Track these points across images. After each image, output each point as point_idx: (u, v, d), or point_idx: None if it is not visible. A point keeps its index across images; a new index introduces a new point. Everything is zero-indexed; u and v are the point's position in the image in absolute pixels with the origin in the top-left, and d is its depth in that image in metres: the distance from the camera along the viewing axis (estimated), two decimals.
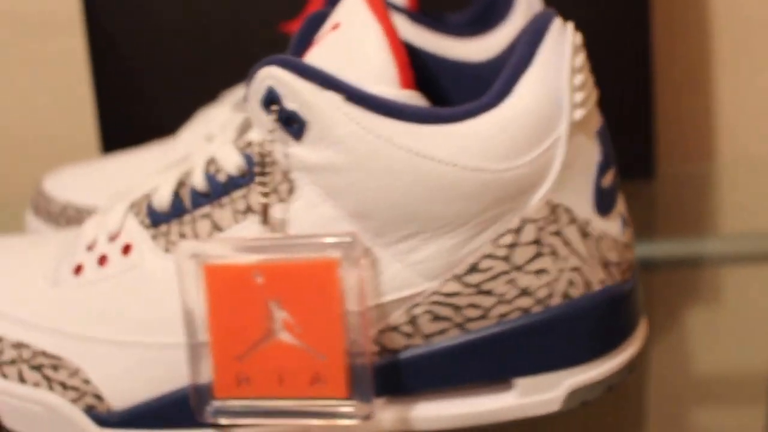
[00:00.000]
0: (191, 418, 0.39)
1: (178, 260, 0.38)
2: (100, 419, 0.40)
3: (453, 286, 0.38)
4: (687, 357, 0.46)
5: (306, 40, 0.40)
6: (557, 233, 0.38)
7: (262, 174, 0.38)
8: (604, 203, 0.38)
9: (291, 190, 0.37)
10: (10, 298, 0.42)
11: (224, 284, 0.38)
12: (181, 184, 0.40)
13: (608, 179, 0.39)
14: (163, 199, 0.40)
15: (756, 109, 0.64)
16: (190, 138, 0.58)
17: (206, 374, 0.38)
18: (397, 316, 0.38)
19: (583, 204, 0.38)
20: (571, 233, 0.38)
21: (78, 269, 0.41)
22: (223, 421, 0.38)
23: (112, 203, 0.42)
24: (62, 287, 0.41)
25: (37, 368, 0.40)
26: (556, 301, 0.38)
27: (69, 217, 0.57)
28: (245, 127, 0.41)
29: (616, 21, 0.56)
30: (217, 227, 0.39)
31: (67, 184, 0.58)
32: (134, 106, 0.67)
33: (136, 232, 0.40)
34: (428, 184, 0.36)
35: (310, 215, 0.37)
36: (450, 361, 0.38)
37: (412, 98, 0.37)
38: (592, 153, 0.38)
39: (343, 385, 0.37)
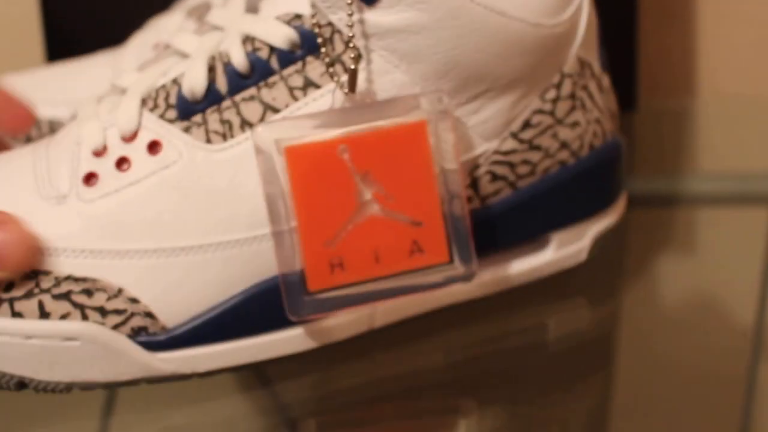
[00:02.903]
0: (256, 323, 0.36)
1: (257, 147, 0.34)
2: (152, 343, 0.35)
3: (510, 144, 0.38)
4: (660, 298, 0.46)
5: None
6: (584, 87, 0.40)
7: (324, 45, 0.36)
8: (603, 61, 0.42)
9: (357, 59, 0.36)
10: None
11: (308, 165, 0.35)
12: (210, 68, 0.36)
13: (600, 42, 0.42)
14: (195, 88, 0.36)
15: (740, 45, 0.59)
16: (140, 47, 0.52)
17: (291, 266, 0.35)
18: None
19: (597, 61, 0.41)
20: (593, 87, 0.40)
21: (89, 178, 0.36)
22: (320, 315, 0.36)
23: (108, 103, 0.37)
24: (73, 202, 0.35)
25: (64, 296, 0.34)
26: (584, 152, 0.41)
27: None
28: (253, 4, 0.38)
29: None
30: (270, 108, 0.36)
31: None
32: (81, 17, 0.59)
33: (160, 127, 0.36)
34: (501, 40, 0.37)
35: (381, 82, 0.36)
36: (503, 222, 0.39)
37: None
38: (595, 15, 0.41)
39: (445, 249, 0.36)
